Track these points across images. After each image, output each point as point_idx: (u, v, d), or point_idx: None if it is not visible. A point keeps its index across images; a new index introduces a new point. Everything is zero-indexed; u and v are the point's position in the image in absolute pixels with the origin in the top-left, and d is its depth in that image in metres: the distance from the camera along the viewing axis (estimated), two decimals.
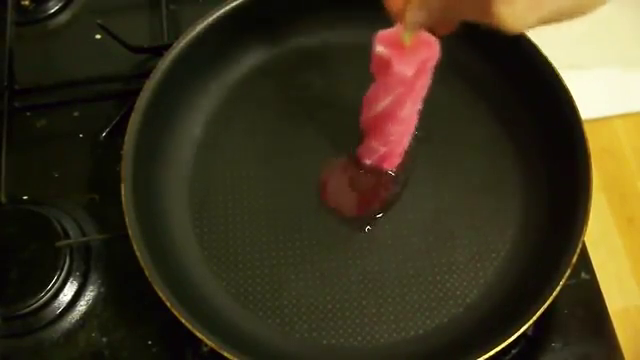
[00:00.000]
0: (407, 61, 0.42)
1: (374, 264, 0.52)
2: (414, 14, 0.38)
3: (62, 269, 0.51)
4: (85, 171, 0.58)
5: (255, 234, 0.53)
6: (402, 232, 0.53)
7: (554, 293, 0.45)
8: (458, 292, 0.51)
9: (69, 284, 0.52)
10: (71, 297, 0.52)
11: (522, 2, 0.32)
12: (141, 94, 0.52)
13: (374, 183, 0.54)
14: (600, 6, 0.33)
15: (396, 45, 0.41)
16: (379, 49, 0.42)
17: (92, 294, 0.53)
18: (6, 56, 0.61)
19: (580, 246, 0.46)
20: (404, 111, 0.46)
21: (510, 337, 0.44)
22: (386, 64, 0.42)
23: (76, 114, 0.61)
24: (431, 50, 0.42)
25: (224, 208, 0.54)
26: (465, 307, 0.50)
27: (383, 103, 0.46)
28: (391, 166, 0.54)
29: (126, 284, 0.53)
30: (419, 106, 0.47)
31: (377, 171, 0.54)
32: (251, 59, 0.60)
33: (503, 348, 0.43)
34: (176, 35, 0.57)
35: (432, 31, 0.41)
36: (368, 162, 0.54)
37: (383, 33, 0.42)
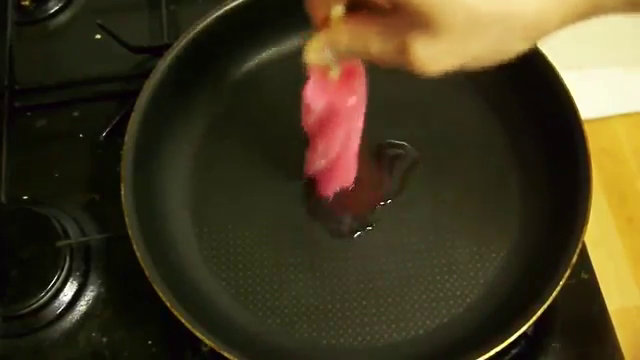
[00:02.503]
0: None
1: (374, 264, 0.52)
2: (317, 52, 0.37)
3: (62, 269, 0.51)
4: (85, 171, 0.58)
5: (255, 234, 0.53)
6: (402, 232, 0.53)
7: (554, 293, 0.45)
8: (458, 292, 0.51)
9: (69, 284, 0.52)
10: (71, 297, 0.52)
11: (440, 46, 0.31)
12: (141, 94, 0.52)
13: (373, 183, 0.54)
14: (521, 51, 0.32)
15: (326, 87, 0.41)
16: (318, 99, 0.41)
17: (92, 294, 0.53)
18: (6, 56, 0.61)
19: (580, 246, 0.46)
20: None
21: (510, 337, 0.44)
22: (329, 109, 0.42)
23: (76, 114, 0.61)
24: (349, 95, 0.41)
25: (224, 208, 0.54)
26: (465, 307, 0.50)
27: (335, 150, 0.46)
28: (349, 183, 0.53)
29: (126, 284, 0.53)
30: (345, 150, 0.47)
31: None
32: (251, 59, 0.60)
33: (503, 348, 0.43)
34: (176, 35, 0.57)
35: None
36: (309, 173, 0.53)
37: (310, 84, 0.41)
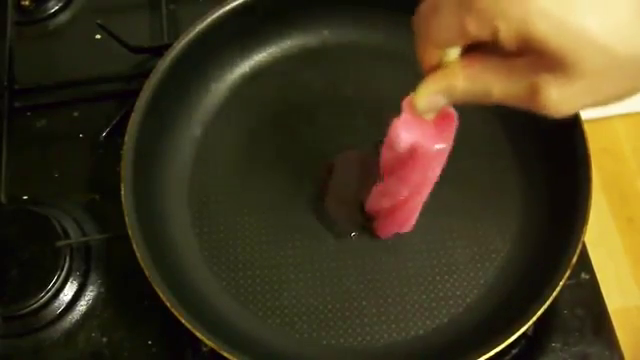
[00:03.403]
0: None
1: (374, 264, 0.52)
2: (429, 98, 0.34)
3: (62, 269, 0.51)
4: (85, 171, 0.58)
5: (255, 234, 0.53)
6: (402, 232, 0.53)
7: (554, 293, 0.45)
8: (458, 292, 0.51)
9: (69, 284, 0.52)
10: (71, 297, 0.52)
11: (576, 89, 0.30)
12: (141, 94, 0.52)
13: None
14: None
15: (417, 126, 0.38)
16: (406, 138, 0.38)
17: (92, 294, 0.53)
18: (6, 56, 0.61)
19: (580, 246, 0.46)
20: (427, 189, 0.44)
21: (510, 337, 0.44)
22: (414, 151, 0.39)
23: (76, 114, 0.61)
24: (440, 137, 0.39)
25: (224, 208, 0.54)
26: (465, 307, 0.50)
27: (404, 194, 0.43)
28: (409, 229, 0.52)
29: (126, 284, 0.53)
30: (422, 186, 0.44)
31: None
32: (251, 59, 0.60)
33: (503, 348, 0.43)
34: (176, 35, 0.57)
35: None
36: (368, 209, 0.52)
37: (402, 119, 0.38)
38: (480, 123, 0.57)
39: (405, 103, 0.38)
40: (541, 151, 0.54)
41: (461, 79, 0.33)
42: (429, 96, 0.35)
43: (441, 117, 0.38)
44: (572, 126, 0.51)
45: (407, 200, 0.46)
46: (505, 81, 0.32)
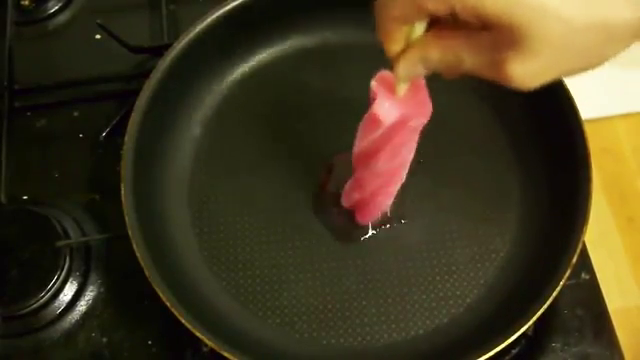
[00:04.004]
0: (390, 107, 0.39)
1: (374, 264, 0.52)
2: (409, 67, 0.35)
3: (62, 269, 0.51)
4: (85, 171, 0.58)
5: (255, 234, 0.53)
6: (402, 232, 0.53)
7: (554, 293, 0.45)
8: (458, 292, 0.51)
9: (69, 284, 0.52)
10: (71, 297, 0.52)
11: (538, 63, 0.30)
12: (141, 94, 0.52)
13: None
14: (618, 54, 0.32)
15: (390, 88, 0.39)
16: (373, 83, 0.39)
17: (92, 294, 0.53)
18: (6, 56, 0.61)
19: (580, 246, 0.46)
20: (379, 161, 0.44)
21: (510, 337, 0.44)
22: (372, 100, 0.40)
23: (76, 114, 0.61)
24: (421, 110, 0.39)
25: (224, 208, 0.54)
26: (465, 307, 0.50)
27: (362, 142, 0.43)
28: (363, 220, 0.52)
29: (126, 284, 0.53)
30: (401, 166, 0.45)
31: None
32: (251, 59, 0.60)
33: (503, 348, 0.43)
34: (176, 35, 0.57)
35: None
36: (345, 204, 0.52)
37: (385, 73, 0.39)
38: (480, 123, 0.57)
39: (378, 79, 0.39)
40: (541, 151, 0.54)
41: (435, 49, 0.34)
42: (409, 65, 0.35)
43: (413, 88, 0.39)
44: (572, 126, 0.51)
45: (391, 177, 0.46)
46: (474, 54, 0.32)
